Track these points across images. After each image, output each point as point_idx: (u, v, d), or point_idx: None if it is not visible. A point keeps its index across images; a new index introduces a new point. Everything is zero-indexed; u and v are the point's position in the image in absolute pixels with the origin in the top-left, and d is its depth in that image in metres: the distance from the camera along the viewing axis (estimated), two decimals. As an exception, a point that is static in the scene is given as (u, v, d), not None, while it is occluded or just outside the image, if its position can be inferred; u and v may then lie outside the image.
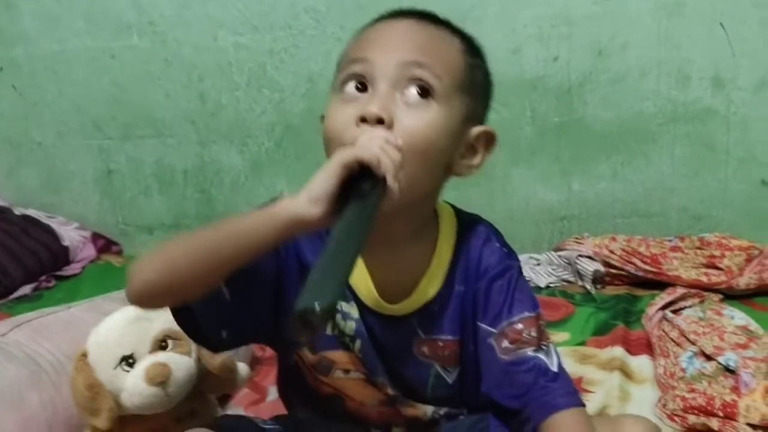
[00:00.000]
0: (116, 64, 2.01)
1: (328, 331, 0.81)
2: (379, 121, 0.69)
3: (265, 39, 1.91)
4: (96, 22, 1.99)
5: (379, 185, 0.65)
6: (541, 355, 0.77)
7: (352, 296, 0.80)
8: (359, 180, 0.65)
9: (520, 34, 1.77)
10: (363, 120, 0.69)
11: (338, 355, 0.81)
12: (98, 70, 2.02)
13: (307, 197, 0.64)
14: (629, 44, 1.73)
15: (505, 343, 0.77)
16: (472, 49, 0.78)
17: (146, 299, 0.72)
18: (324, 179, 0.65)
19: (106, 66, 2.01)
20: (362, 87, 0.72)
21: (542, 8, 1.74)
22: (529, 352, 0.77)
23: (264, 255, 0.70)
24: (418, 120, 0.71)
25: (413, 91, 0.71)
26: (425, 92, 0.72)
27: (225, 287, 0.72)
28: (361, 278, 0.79)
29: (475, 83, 0.77)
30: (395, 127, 0.70)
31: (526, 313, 0.79)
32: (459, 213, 0.85)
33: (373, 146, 0.66)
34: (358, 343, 0.81)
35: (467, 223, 0.83)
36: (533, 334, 0.77)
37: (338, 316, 0.80)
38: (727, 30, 1.68)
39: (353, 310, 0.80)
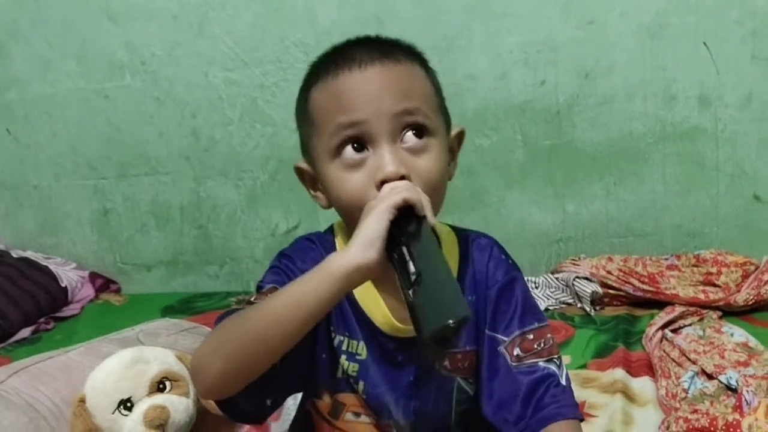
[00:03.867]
0: (109, 104, 2.03)
1: (339, 374, 0.82)
2: (401, 178, 0.72)
3: (255, 74, 1.93)
4: (88, 64, 2.02)
5: (423, 221, 0.68)
6: (552, 367, 0.79)
7: (362, 332, 0.81)
8: (398, 224, 0.67)
9: (507, 59, 1.79)
10: (383, 182, 0.71)
11: (348, 398, 0.82)
12: (92, 111, 2.04)
13: (359, 244, 0.66)
14: (614, 67, 1.75)
15: (517, 351, 0.79)
16: (425, 63, 0.80)
17: (220, 391, 0.71)
18: (374, 223, 0.66)
19: (100, 107, 2.03)
20: (359, 146, 0.74)
21: (526, 34, 1.76)
22: (541, 362, 0.78)
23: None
24: (427, 162, 0.74)
25: (411, 137, 0.74)
26: (421, 133, 0.74)
27: None
28: (375, 305, 0.80)
29: (439, 92, 0.80)
30: (412, 176, 0.73)
31: (536, 324, 0.81)
32: (456, 229, 0.87)
33: (410, 189, 0.69)
34: (361, 385, 0.81)
35: (467, 237, 0.86)
36: (543, 345, 0.80)
37: (343, 357, 0.81)
38: (711, 49, 1.70)
39: (361, 349, 0.81)
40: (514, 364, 0.78)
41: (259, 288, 0.79)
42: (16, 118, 2.11)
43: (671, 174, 1.79)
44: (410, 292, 0.63)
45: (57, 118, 2.08)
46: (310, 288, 0.68)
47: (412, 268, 0.63)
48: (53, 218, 2.17)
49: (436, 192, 0.74)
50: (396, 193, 0.68)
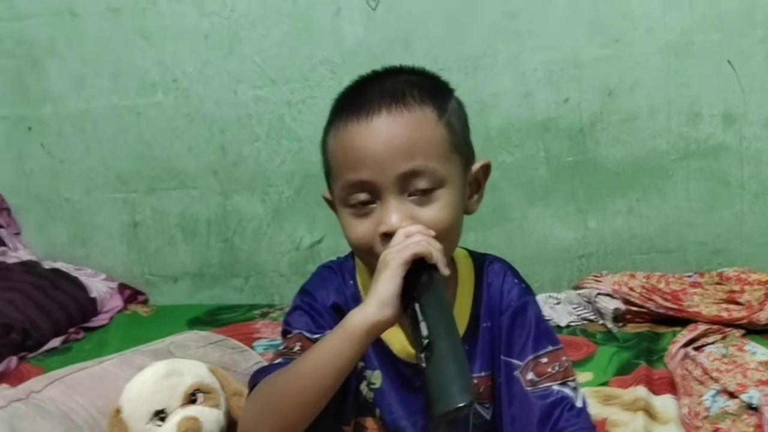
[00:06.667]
0: (141, 120, 2.08)
1: (360, 398, 0.85)
2: None
3: (283, 91, 1.97)
4: (121, 81, 2.07)
5: (434, 273, 0.71)
6: (567, 390, 0.80)
7: (378, 359, 0.83)
8: (413, 273, 0.71)
9: (531, 77, 1.81)
10: (387, 235, 0.74)
11: (368, 422, 0.85)
12: (124, 127, 2.10)
13: (377, 304, 0.70)
14: (638, 84, 1.76)
15: (531, 376, 0.80)
16: (442, 101, 0.79)
17: None
18: (389, 282, 0.70)
19: (132, 123, 2.09)
20: (368, 198, 0.76)
21: (550, 53, 1.78)
22: (555, 386, 0.80)
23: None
24: (434, 212, 0.75)
25: (419, 192, 0.75)
26: (428, 187, 0.76)
27: None
28: (393, 334, 0.82)
29: (456, 132, 0.79)
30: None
31: (551, 347, 0.82)
32: (473, 254, 0.89)
33: (421, 242, 0.71)
34: (377, 412, 0.85)
35: (483, 262, 0.88)
36: (558, 368, 0.81)
37: (363, 383, 0.84)
38: (735, 67, 1.71)
39: (376, 378, 0.84)
40: (528, 388, 0.80)
41: (285, 332, 0.84)
42: (50, 133, 2.17)
43: (695, 191, 1.80)
44: (422, 356, 0.66)
45: (90, 134, 2.14)
46: (334, 349, 0.72)
47: (424, 331, 0.67)
48: (84, 230, 2.22)
49: (445, 238, 0.75)
50: (406, 248, 0.70)
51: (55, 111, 2.15)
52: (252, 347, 1.62)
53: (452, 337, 0.67)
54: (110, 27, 2.04)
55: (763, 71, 1.71)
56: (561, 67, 1.80)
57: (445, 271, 0.72)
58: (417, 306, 0.69)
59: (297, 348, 0.81)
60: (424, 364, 0.65)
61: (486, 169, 0.83)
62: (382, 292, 0.70)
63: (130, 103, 2.07)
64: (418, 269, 0.71)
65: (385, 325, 0.71)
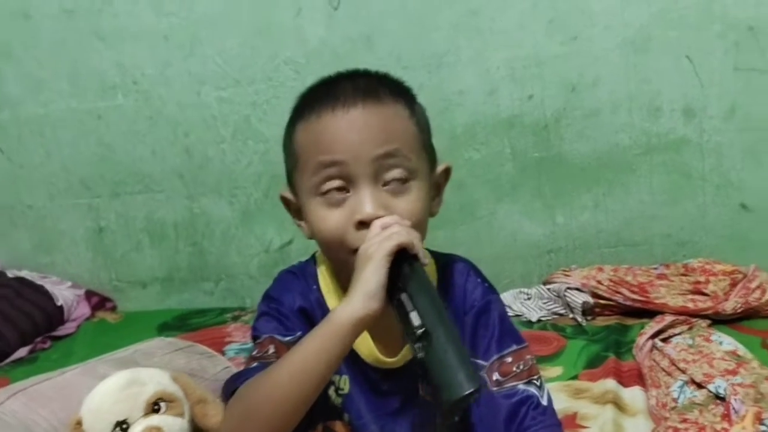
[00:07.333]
0: (102, 124, 2.04)
1: (329, 402, 0.84)
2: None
3: (247, 92, 1.95)
4: (80, 84, 2.03)
5: (415, 263, 0.71)
6: (532, 389, 0.80)
7: (346, 364, 0.82)
8: (394, 264, 0.71)
9: (494, 75, 1.82)
10: (361, 223, 0.74)
11: (337, 426, 0.85)
12: (84, 131, 2.06)
13: (363, 296, 0.69)
14: (600, 80, 1.77)
15: (496, 376, 0.81)
16: (411, 101, 0.81)
17: None
18: (374, 274, 0.69)
19: (92, 126, 2.05)
20: (341, 187, 0.76)
21: (513, 50, 1.79)
22: (520, 385, 0.80)
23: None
24: (407, 203, 0.76)
25: (393, 179, 0.76)
26: (402, 175, 0.76)
27: None
28: (361, 339, 0.81)
29: (424, 131, 0.81)
30: None
31: (515, 346, 0.83)
32: (435, 254, 0.89)
33: (402, 232, 0.71)
34: (346, 417, 0.84)
35: (445, 262, 0.88)
36: (522, 367, 0.81)
37: (332, 388, 0.83)
38: (694, 61, 1.73)
39: (344, 383, 0.83)
40: (494, 388, 0.80)
41: (255, 338, 0.82)
42: (9, 138, 2.11)
43: (658, 184, 1.82)
44: (418, 346, 0.65)
45: (50, 138, 2.09)
46: (318, 348, 0.71)
47: (416, 320, 0.66)
48: (48, 237, 2.18)
49: (418, 230, 0.75)
50: (388, 238, 0.70)
51: (13, 115, 2.10)
52: (224, 352, 1.61)
53: (447, 324, 0.66)
54: (65, 29, 1.99)
55: (721, 66, 1.73)
56: (523, 64, 1.80)
57: (425, 260, 0.72)
58: (404, 296, 0.68)
59: (271, 351, 0.80)
60: (420, 355, 0.65)
61: (447, 172, 0.84)
62: (367, 285, 0.69)
63: (90, 107, 2.03)
64: (399, 260, 0.71)
65: (372, 318, 0.70)
